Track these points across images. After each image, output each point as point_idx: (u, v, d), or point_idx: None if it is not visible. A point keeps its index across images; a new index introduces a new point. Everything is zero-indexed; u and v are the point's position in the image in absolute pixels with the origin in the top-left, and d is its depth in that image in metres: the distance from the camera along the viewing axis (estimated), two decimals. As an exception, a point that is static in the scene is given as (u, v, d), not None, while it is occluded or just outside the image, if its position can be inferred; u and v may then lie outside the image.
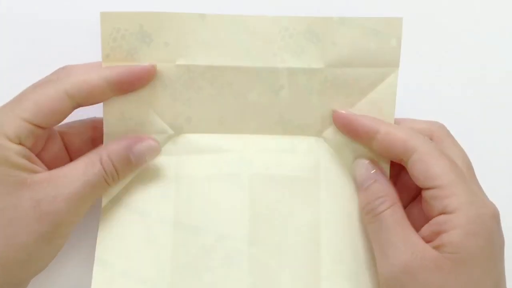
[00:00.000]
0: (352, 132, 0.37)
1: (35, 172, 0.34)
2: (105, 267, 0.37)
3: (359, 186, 0.37)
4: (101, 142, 0.37)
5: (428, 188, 0.33)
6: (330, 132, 0.39)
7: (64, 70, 0.35)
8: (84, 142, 0.38)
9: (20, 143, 0.33)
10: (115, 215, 0.37)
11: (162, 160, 0.38)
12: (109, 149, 0.35)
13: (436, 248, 0.32)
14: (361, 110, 0.38)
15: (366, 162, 0.37)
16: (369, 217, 0.35)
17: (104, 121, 0.37)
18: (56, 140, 0.37)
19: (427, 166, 0.33)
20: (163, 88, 0.37)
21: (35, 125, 0.34)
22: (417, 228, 0.34)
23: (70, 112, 0.35)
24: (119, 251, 0.37)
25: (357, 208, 0.38)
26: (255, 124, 0.39)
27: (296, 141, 0.39)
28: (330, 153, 0.39)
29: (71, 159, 0.38)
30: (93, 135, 0.39)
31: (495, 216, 0.33)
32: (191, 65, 0.37)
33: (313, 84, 0.37)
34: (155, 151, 0.37)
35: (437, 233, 0.32)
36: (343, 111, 0.37)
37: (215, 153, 0.38)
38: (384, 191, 0.35)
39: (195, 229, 0.37)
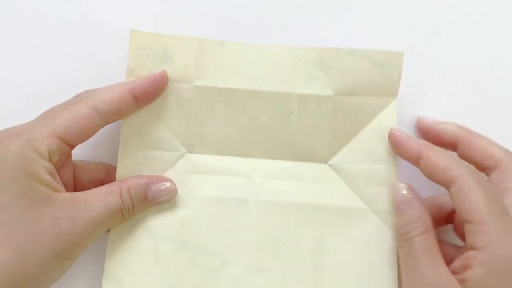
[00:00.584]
0: (402, 154, 0.38)
1: (57, 191, 0.34)
2: (114, 282, 0.37)
3: (395, 209, 0.38)
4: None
5: (464, 221, 0.34)
6: (337, 159, 0.40)
7: (89, 91, 0.37)
8: (92, 181, 0.39)
9: (48, 159, 0.34)
10: (124, 230, 0.38)
11: (173, 178, 0.39)
12: (130, 184, 0.37)
13: (461, 281, 0.32)
14: (366, 136, 0.40)
15: (403, 186, 0.37)
16: (400, 241, 0.36)
17: (121, 134, 0.39)
18: (70, 166, 0.38)
19: (463, 199, 0.34)
20: (180, 108, 0.39)
21: (65, 142, 0.35)
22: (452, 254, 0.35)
23: (98, 130, 0.37)
24: (128, 267, 0.37)
25: (362, 235, 0.39)
26: (264, 148, 0.40)
27: (303, 168, 0.40)
28: (335, 181, 0.40)
29: (73, 190, 0.39)
30: (103, 179, 0.40)
31: None
32: (208, 87, 0.39)
33: (321, 111, 0.40)
34: (172, 193, 0.38)
35: (465, 267, 0.33)
36: (397, 132, 0.39)
37: (224, 175, 0.40)
38: (418, 217, 0.35)
39: (202, 251, 0.38)
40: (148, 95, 0.38)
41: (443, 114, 0.41)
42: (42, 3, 0.41)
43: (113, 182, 0.37)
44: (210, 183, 0.40)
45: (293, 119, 0.40)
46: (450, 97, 0.41)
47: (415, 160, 0.37)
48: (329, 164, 0.40)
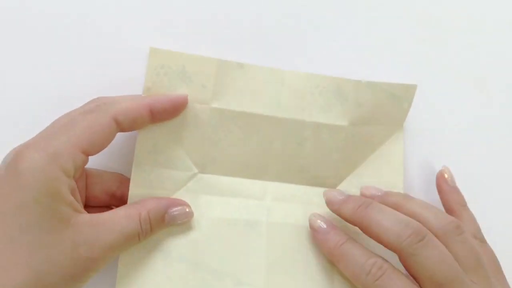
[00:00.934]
0: None
1: (77, 211, 0.33)
2: None
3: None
4: (121, 200, 0.39)
5: None
6: (345, 184, 0.41)
7: (106, 99, 0.36)
8: (104, 191, 0.39)
9: (72, 176, 0.34)
10: (136, 251, 0.38)
11: (185, 198, 0.39)
12: (149, 208, 0.36)
13: None
14: (373, 162, 0.41)
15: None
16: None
17: (136, 151, 0.38)
18: (83, 176, 0.38)
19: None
20: (195, 128, 0.39)
21: (86, 154, 0.34)
22: None
23: (113, 139, 0.36)
24: (140, 287, 0.37)
25: None
26: (276, 171, 0.40)
27: (311, 193, 0.41)
28: None
29: (85, 200, 0.38)
30: (115, 190, 0.39)
31: None
32: (224, 109, 0.39)
33: (335, 141, 0.40)
34: (189, 217, 0.38)
35: None
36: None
37: (236, 197, 0.40)
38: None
39: (214, 272, 0.38)
40: (165, 114, 0.38)
41: (443, 114, 0.42)
42: (57, 17, 0.40)
43: (131, 204, 0.37)
44: (221, 204, 0.40)
45: (306, 146, 0.40)
46: (450, 97, 0.42)
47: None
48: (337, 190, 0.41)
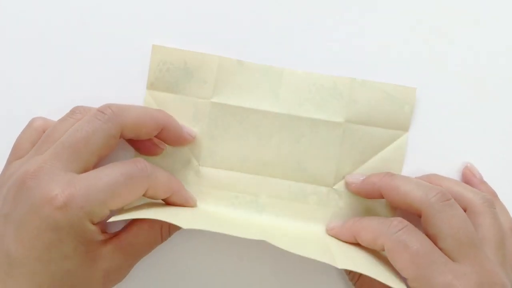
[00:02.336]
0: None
1: (103, 243, 0.35)
2: None
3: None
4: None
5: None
6: (341, 184, 0.41)
7: (116, 109, 0.36)
8: None
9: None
10: None
11: None
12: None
13: None
14: (372, 167, 0.41)
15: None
16: None
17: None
18: None
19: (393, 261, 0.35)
20: (196, 122, 0.41)
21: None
22: None
23: None
24: None
25: (364, 261, 0.38)
26: (273, 167, 0.41)
27: (308, 190, 0.41)
28: (339, 206, 0.41)
29: None
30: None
31: None
32: (223, 104, 0.41)
33: (331, 136, 0.41)
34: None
35: None
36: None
37: (232, 192, 0.41)
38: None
39: None
40: (169, 141, 0.40)
41: (443, 114, 0.42)
42: (59, 15, 0.41)
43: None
44: (218, 198, 0.41)
45: (303, 142, 0.41)
46: (450, 97, 0.42)
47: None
48: (334, 189, 0.41)
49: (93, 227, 0.34)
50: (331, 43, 0.42)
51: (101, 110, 0.35)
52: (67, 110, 0.38)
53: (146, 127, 0.37)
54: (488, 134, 0.42)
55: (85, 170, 0.34)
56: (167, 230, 0.37)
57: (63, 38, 0.41)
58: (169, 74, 0.40)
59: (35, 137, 0.38)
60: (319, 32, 0.42)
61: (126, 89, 0.40)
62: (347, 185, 0.41)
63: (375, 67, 0.42)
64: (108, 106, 0.36)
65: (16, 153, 0.37)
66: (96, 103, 0.38)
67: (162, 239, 0.37)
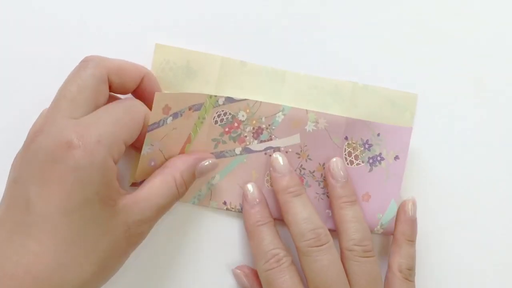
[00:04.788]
0: None
1: (121, 193, 0.35)
2: None
3: None
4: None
5: None
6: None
7: (94, 57, 0.36)
8: None
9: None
10: None
11: None
12: (181, 169, 0.38)
13: None
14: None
15: None
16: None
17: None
18: None
19: None
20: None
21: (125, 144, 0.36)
22: None
23: None
24: None
25: None
26: None
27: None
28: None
29: None
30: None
31: None
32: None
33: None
34: (215, 167, 0.40)
35: None
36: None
37: None
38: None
39: None
40: (149, 91, 0.39)
41: (443, 114, 0.43)
42: (61, 15, 0.41)
43: (163, 170, 0.38)
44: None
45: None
46: (450, 98, 0.43)
47: None
48: None
49: (113, 165, 0.33)
50: (333, 46, 0.42)
51: (84, 60, 0.36)
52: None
53: (130, 72, 0.37)
54: (488, 134, 0.43)
55: (88, 110, 0.34)
56: (182, 182, 0.37)
57: (64, 36, 0.41)
58: (172, 73, 0.41)
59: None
60: (321, 35, 0.42)
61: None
62: (273, 164, 0.41)
63: (376, 69, 0.42)
64: (90, 56, 0.36)
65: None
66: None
67: (179, 192, 0.37)
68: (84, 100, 0.34)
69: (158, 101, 0.36)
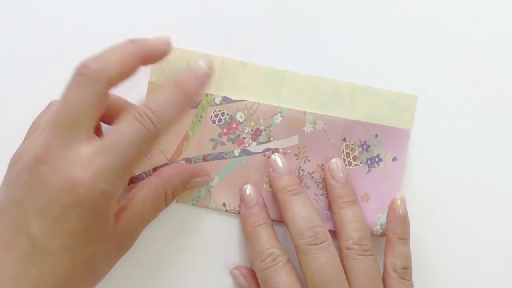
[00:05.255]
0: None
1: (116, 216, 0.35)
2: None
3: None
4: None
5: None
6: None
7: (91, 65, 0.34)
8: None
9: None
10: None
11: None
12: (174, 184, 0.39)
13: None
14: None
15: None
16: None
17: None
18: None
19: None
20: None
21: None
22: None
23: None
24: None
25: None
26: None
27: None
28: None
29: None
30: None
31: None
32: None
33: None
34: (208, 182, 0.41)
35: None
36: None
37: None
38: None
39: None
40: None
41: (443, 114, 0.43)
42: (62, 15, 0.42)
43: (157, 179, 0.38)
44: None
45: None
46: (450, 98, 0.42)
47: None
48: None
49: (116, 204, 0.35)
50: (333, 46, 0.42)
51: (81, 73, 0.33)
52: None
53: (132, 67, 0.35)
54: (488, 135, 0.42)
55: (91, 133, 0.34)
56: (171, 194, 0.38)
57: (64, 36, 0.42)
58: (172, 73, 0.41)
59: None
60: (321, 35, 0.42)
61: (128, 88, 0.40)
62: (272, 164, 0.41)
63: (376, 69, 0.42)
64: (86, 65, 0.33)
65: (31, 136, 0.38)
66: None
67: (167, 205, 0.38)
68: (87, 121, 0.33)
69: (151, 91, 0.39)
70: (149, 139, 0.33)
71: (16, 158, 0.35)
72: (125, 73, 0.35)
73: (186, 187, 0.39)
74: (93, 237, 0.33)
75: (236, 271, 0.41)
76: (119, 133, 0.33)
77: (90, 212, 0.32)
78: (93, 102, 0.33)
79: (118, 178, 0.33)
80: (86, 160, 0.32)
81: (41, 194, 0.32)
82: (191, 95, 0.35)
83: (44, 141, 0.33)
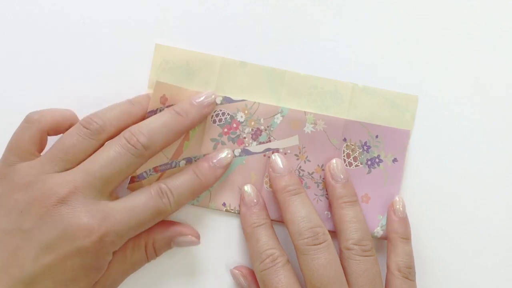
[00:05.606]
0: None
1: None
2: None
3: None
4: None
5: None
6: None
7: (142, 140, 0.37)
8: None
9: None
10: None
11: None
12: (155, 237, 0.39)
13: None
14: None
15: None
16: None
17: None
18: None
19: None
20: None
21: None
22: None
23: None
24: None
25: None
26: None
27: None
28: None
29: None
30: None
31: None
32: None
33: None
34: (195, 244, 0.40)
35: None
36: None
37: None
38: None
39: None
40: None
41: (443, 115, 0.43)
42: (63, 15, 0.42)
43: (140, 234, 0.39)
44: None
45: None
46: (450, 99, 0.42)
47: None
48: None
49: (111, 255, 0.37)
50: (333, 46, 0.42)
51: (132, 144, 0.37)
52: (70, 109, 0.39)
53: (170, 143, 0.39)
54: (488, 135, 0.42)
55: (115, 193, 0.38)
56: (152, 249, 0.39)
57: (64, 37, 0.41)
58: (171, 73, 0.41)
59: (37, 138, 0.37)
60: (321, 35, 0.42)
61: (128, 88, 0.40)
62: (271, 164, 0.41)
63: (376, 69, 0.42)
64: (137, 137, 0.37)
65: (19, 154, 0.37)
66: (98, 102, 0.39)
67: (148, 258, 0.39)
68: (117, 184, 0.37)
69: (157, 90, 0.40)
70: (163, 214, 0.37)
71: (16, 180, 0.36)
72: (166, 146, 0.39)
73: (170, 244, 0.39)
74: (81, 277, 0.35)
75: (237, 271, 0.40)
76: (141, 201, 0.37)
77: (92, 256, 0.35)
78: (129, 171, 0.37)
79: (123, 240, 0.36)
80: (107, 214, 0.35)
81: (54, 230, 0.34)
82: (206, 185, 0.39)
83: (71, 185, 0.35)
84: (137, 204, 0.36)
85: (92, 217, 0.35)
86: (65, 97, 0.41)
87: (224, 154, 0.40)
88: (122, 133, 0.37)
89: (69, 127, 0.38)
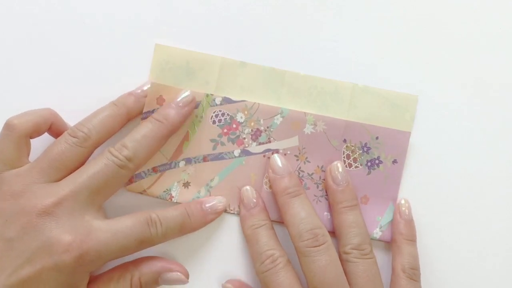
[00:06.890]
0: None
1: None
2: None
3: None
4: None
5: None
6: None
7: (125, 152, 0.38)
8: None
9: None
10: None
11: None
12: (142, 271, 0.38)
13: None
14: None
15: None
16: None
17: None
18: None
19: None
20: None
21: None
22: None
23: None
24: None
25: None
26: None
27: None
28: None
29: None
30: None
31: None
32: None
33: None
34: (183, 282, 0.39)
35: None
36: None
37: None
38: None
39: None
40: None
41: (443, 115, 0.43)
42: (63, 15, 0.42)
43: (128, 264, 0.39)
44: None
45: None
46: (450, 99, 0.42)
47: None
48: None
49: (88, 276, 0.36)
50: (333, 46, 0.42)
51: (118, 157, 0.37)
52: (69, 109, 0.39)
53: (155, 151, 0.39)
54: (488, 135, 0.42)
55: (103, 210, 0.38)
56: (138, 280, 0.38)
57: (64, 37, 0.41)
58: (171, 73, 0.41)
59: (20, 144, 0.37)
60: (321, 35, 0.42)
61: (128, 88, 0.40)
62: (271, 165, 0.41)
63: (376, 69, 0.42)
64: (123, 147, 0.37)
65: (5, 162, 0.37)
66: (97, 102, 0.39)
67: None
68: (104, 197, 0.37)
69: (153, 91, 0.40)
70: (148, 244, 0.37)
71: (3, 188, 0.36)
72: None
73: (158, 281, 0.39)
74: None
75: (229, 285, 0.40)
76: (128, 225, 0.36)
77: (69, 273, 0.34)
78: (118, 186, 0.38)
79: (103, 262, 0.36)
80: (90, 232, 0.35)
81: (34, 240, 0.34)
82: (194, 226, 0.39)
83: (57, 195, 0.35)
84: (123, 227, 0.36)
85: (75, 232, 0.35)
86: (65, 97, 0.41)
87: (216, 201, 0.40)
88: (108, 147, 0.37)
89: (51, 126, 0.39)
